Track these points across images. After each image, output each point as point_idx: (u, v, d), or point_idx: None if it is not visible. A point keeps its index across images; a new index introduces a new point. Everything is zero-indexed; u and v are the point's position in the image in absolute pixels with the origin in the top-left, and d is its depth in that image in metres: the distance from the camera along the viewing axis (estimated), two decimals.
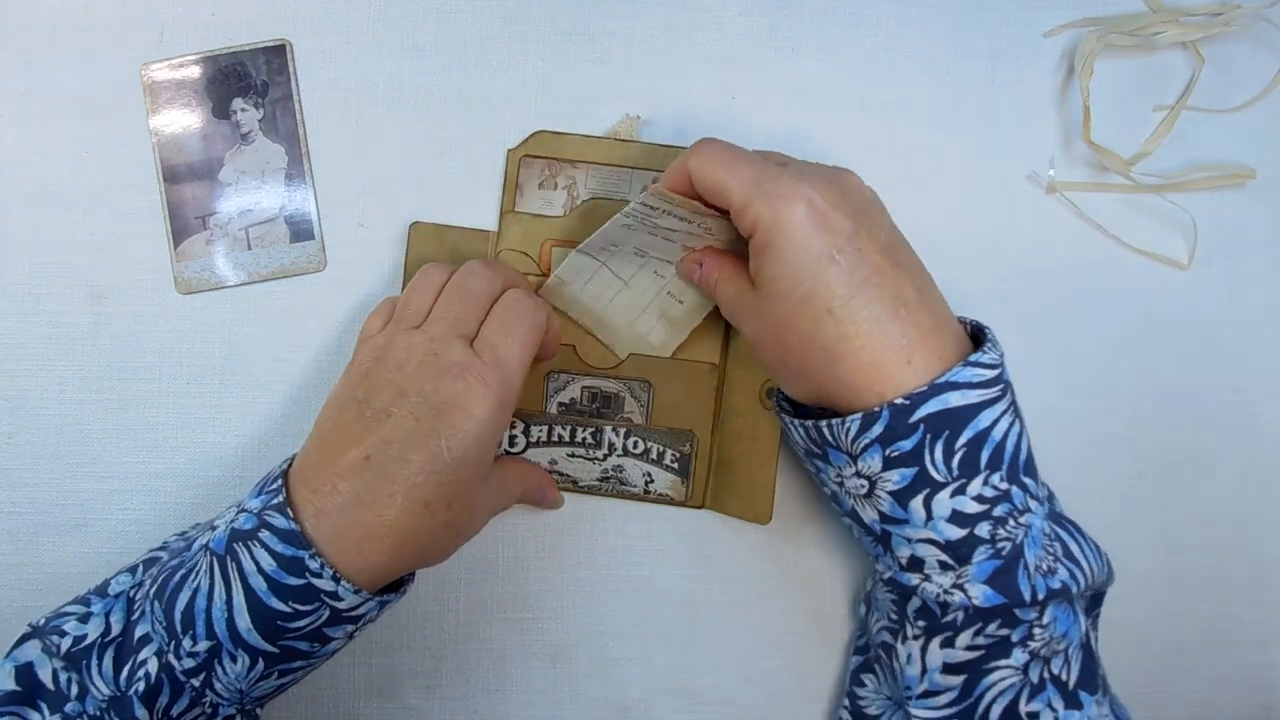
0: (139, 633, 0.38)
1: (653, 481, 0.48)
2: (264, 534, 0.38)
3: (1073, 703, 0.39)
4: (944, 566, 0.38)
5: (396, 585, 0.41)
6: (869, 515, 0.40)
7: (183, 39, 0.47)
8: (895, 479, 0.38)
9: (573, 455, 0.48)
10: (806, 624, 0.48)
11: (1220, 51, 0.49)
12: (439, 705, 0.48)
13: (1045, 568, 0.38)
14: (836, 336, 0.37)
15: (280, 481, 0.39)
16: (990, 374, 0.38)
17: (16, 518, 0.47)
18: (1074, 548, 0.39)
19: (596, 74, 0.48)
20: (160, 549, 0.42)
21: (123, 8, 0.47)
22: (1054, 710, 0.38)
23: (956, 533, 0.37)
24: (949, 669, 0.39)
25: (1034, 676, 0.38)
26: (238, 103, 0.47)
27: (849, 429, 0.38)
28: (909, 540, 0.39)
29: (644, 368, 0.47)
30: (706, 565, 0.48)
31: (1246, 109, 0.49)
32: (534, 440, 0.48)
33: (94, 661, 0.38)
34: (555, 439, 0.48)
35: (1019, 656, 0.38)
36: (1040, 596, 0.37)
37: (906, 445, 0.37)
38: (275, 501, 0.38)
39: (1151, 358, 0.49)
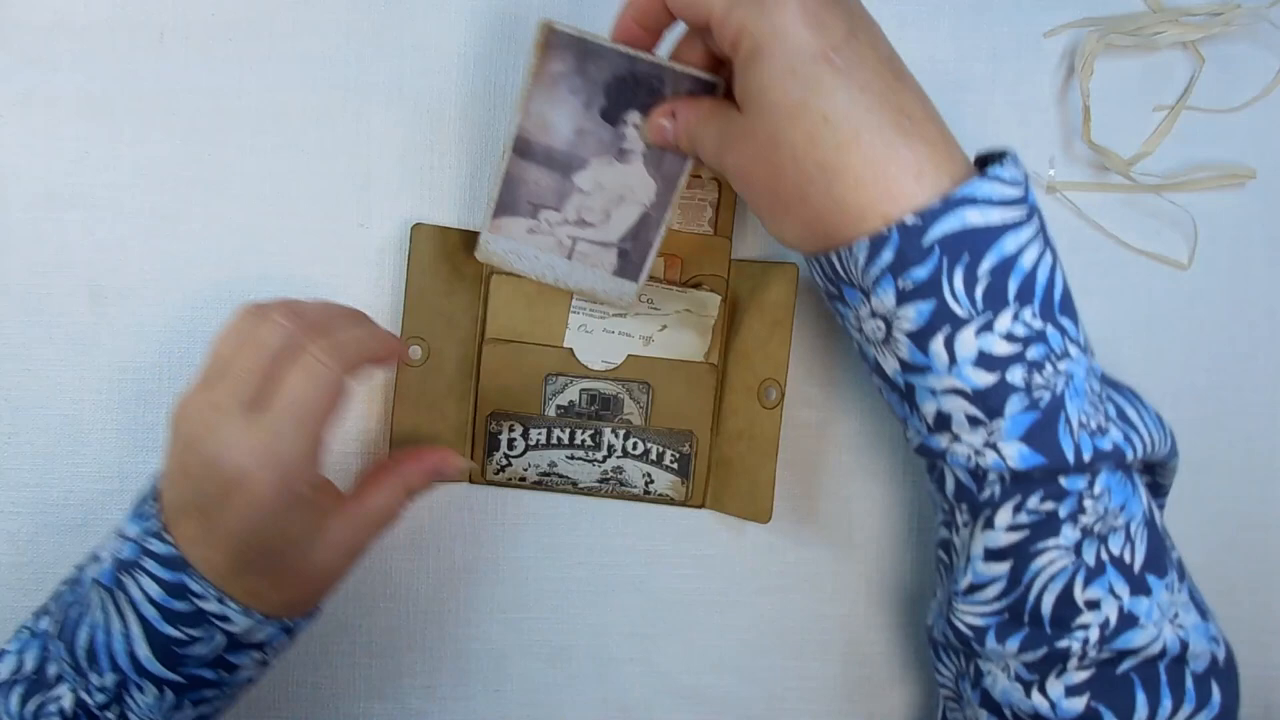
0: (52, 670, 0.37)
1: (652, 482, 0.48)
2: (146, 561, 0.36)
3: (1139, 588, 0.34)
4: (973, 422, 0.34)
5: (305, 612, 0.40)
6: (890, 365, 0.35)
7: (183, 39, 0.47)
8: (912, 316, 0.34)
9: (572, 458, 0.48)
10: (806, 624, 0.48)
11: (1220, 51, 0.49)
12: (439, 705, 0.48)
13: (1094, 425, 0.33)
14: (834, 147, 0.33)
15: (155, 504, 0.37)
16: (1013, 192, 0.33)
17: (16, 518, 0.47)
18: (1130, 412, 0.35)
19: None
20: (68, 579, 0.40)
21: (123, 8, 0.47)
22: (1117, 597, 0.34)
23: (985, 379, 0.33)
24: (991, 555, 0.35)
25: (1089, 558, 0.34)
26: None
27: (858, 257, 0.34)
28: (933, 392, 0.34)
29: (643, 369, 0.47)
30: (706, 565, 0.48)
31: (1246, 109, 0.49)
32: (533, 443, 0.48)
33: (1, 699, 0.37)
34: (554, 442, 0.48)
35: (1069, 534, 0.33)
36: (1087, 458, 0.33)
37: (921, 273, 0.33)
38: (154, 528, 0.37)
39: (1151, 358, 0.49)
